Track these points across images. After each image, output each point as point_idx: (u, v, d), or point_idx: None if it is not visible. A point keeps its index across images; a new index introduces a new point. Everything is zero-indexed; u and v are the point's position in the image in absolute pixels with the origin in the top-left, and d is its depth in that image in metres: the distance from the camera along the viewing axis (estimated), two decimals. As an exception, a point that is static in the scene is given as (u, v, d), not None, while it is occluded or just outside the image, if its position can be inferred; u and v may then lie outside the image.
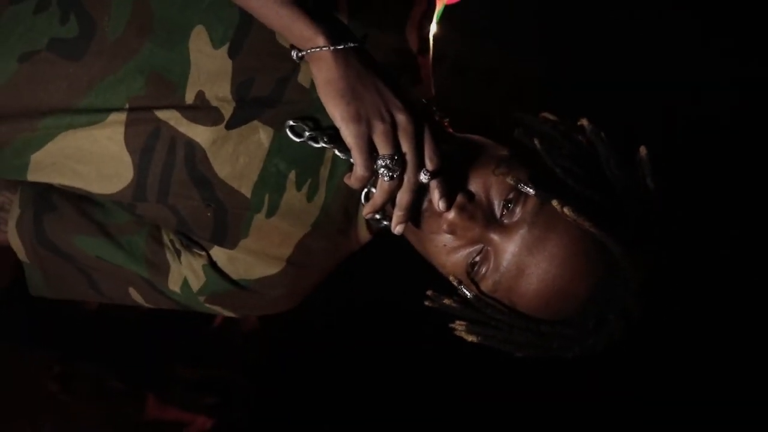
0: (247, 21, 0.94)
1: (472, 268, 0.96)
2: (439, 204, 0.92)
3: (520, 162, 0.95)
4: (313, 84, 0.91)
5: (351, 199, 1.03)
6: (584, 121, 0.97)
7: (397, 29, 1.04)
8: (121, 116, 0.96)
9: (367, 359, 3.13)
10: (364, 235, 1.09)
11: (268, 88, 0.96)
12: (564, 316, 0.96)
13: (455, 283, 0.97)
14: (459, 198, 0.93)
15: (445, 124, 1.06)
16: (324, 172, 1.00)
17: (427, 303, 1.02)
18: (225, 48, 0.95)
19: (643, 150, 0.94)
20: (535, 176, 0.92)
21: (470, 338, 0.98)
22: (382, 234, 1.08)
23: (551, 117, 1.00)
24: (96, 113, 0.96)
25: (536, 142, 0.95)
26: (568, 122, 0.99)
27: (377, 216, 1.01)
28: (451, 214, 0.93)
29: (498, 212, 0.94)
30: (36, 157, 0.99)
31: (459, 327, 0.99)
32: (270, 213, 1.01)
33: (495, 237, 0.93)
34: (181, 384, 4.42)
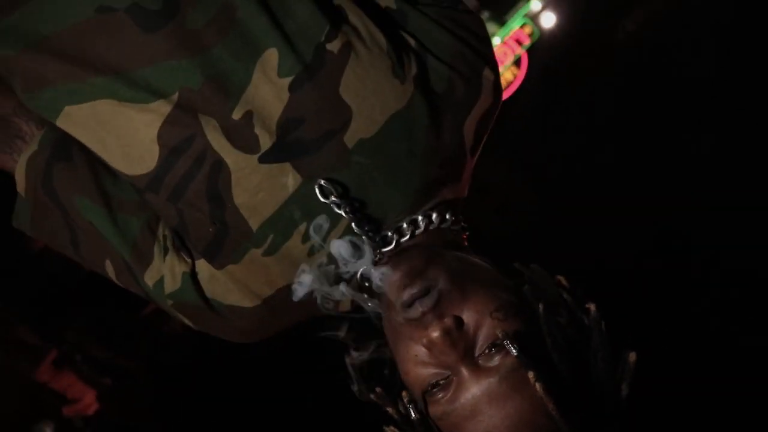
0: (319, 63, 0.95)
1: (430, 387, 0.95)
2: (432, 332, 0.92)
3: (518, 315, 0.95)
4: (355, 147, 0.94)
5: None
6: (592, 306, 0.96)
7: (458, 120, 1.03)
8: (166, 107, 0.96)
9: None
10: (345, 306, 1.08)
11: (312, 135, 0.96)
12: None
13: (406, 400, 0.97)
14: (448, 322, 0.92)
15: (464, 236, 1.06)
16: (335, 235, 1.00)
17: (372, 397, 1.01)
18: (289, 80, 0.95)
19: (632, 356, 0.94)
20: (524, 339, 0.91)
21: None
22: (360, 310, 1.07)
23: (564, 282, 1.00)
24: (144, 92, 0.96)
25: (540, 306, 0.95)
26: (577, 296, 0.99)
27: (369, 303, 1.01)
28: (435, 334, 0.92)
29: (478, 350, 0.93)
30: (71, 109, 0.99)
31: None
32: (267, 252, 1.01)
33: (465, 373, 0.93)
34: (87, 358, 4.46)
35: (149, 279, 1.06)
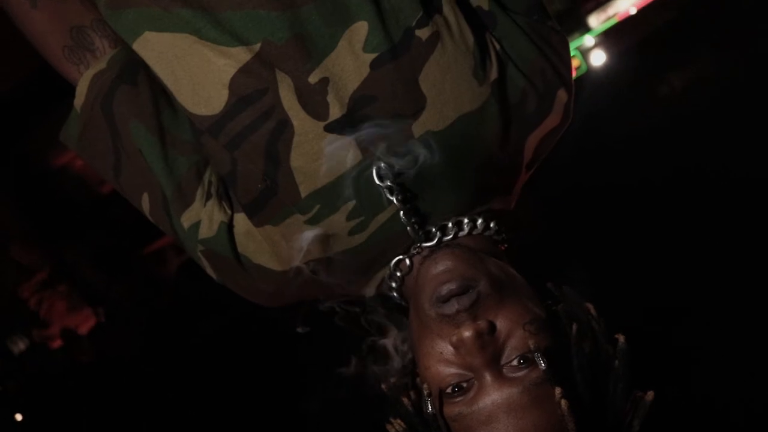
0: (405, 46, 0.95)
1: (451, 388, 0.95)
2: (464, 330, 0.92)
3: (548, 332, 0.96)
4: (421, 138, 0.95)
5: (381, 257, 1.04)
6: (621, 338, 0.98)
7: (523, 133, 1.04)
8: (246, 55, 0.96)
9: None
10: (370, 291, 1.10)
11: (382, 115, 0.97)
12: None
13: (425, 393, 0.97)
14: (482, 324, 0.94)
15: (503, 248, 1.07)
16: (380, 219, 1.01)
17: (383, 387, 1.02)
18: (372, 56, 0.96)
19: (650, 395, 0.96)
20: (554, 356, 0.93)
21: None
22: (384, 296, 1.09)
23: (593, 312, 1.01)
24: (228, 36, 0.96)
25: (574, 327, 0.97)
26: (603, 326, 1.00)
27: (398, 301, 1.03)
28: (468, 333, 0.93)
29: (505, 359, 0.94)
30: (151, 35, 1.00)
31: (397, 426, 0.99)
32: (310, 221, 1.01)
33: (488, 378, 0.94)
34: (82, 281, 4.49)
35: (186, 221, 1.07)
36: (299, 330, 1.05)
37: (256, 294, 1.10)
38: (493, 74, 1.00)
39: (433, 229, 1.03)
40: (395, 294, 1.06)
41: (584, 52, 9.66)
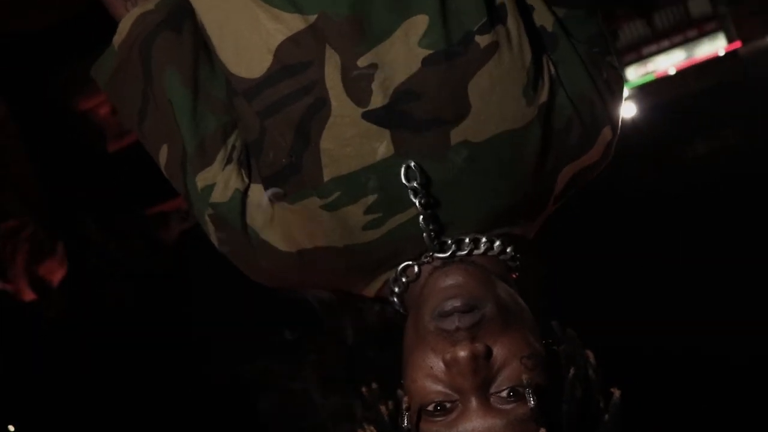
0: (462, 50, 0.92)
1: (433, 406, 0.91)
2: (460, 350, 0.89)
3: (544, 370, 0.92)
4: (457, 146, 0.92)
5: (390, 259, 1.00)
6: (617, 392, 0.94)
7: (560, 163, 1.01)
8: (299, 24, 0.93)
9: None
10: (370, 291, 1.05)
11: (423, 115, 0.93)
12: None
13: (405, 405, 0.93)
14: (480, 347, 0.89)
15: (514, 276, 1.04)
16: (397, 219, 0.97)
17: (363, 390, 1.00)
18: (426, 52, 0.92)
19: None
20: (545, 396, 0.89)
21: None
22: (383, 300, 1.06)
23: (592, 360, 0.98)
24: (285, 0, 0.94)
25: (572, 371, 0.93)
26: (600, 377, 0.97)
27: (398, 307, 1.01)
28: (463, 354, 0.88)
29: (495, 388, 0.90)
30: None
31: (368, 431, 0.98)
32: (326, 207, 0.97)
33: (474, 403, 0.90)
34: (78, 233, 4.46)
35: (201, 181, 1.02)
36: (288, 336, 1.06)
37: (256, 271, 1.06)
38: (543, 97, 0.96)
39: (449, 241, 0.98)
40: (396, 299, 1.02)
41: (617, 102, 9.61)
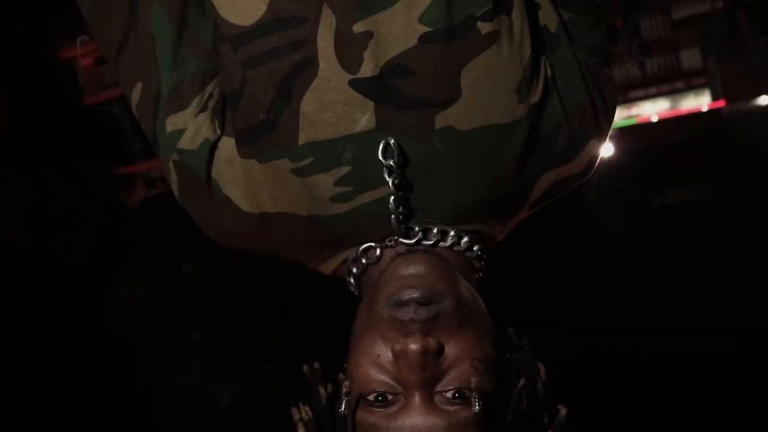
0: (462, 33, 0.90)
1: (374, 396, 0.88)
2: (412, 342, 0.86)
3: (495, 377, 0.89)
4: (441, 131, 0.89)
5: (352, 237, 0.97)
6: (563, 410, 0.91)
7: (540, 168, 0.99)
8: None
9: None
10: (327, 268, 1.02)
11: (411, 93, 0.90)
12: None
13: (344, 390, 0.90)
14: (433, 343, 0.86)
15: (477, 276, 1.02)
16: (367, 196, 0.94)
17: (304, 369, 0.95)
18: (425, 29, 0.89)
19: None
20: (488, 402, 0.86)
21: (301, 431, 0.91)
22: (340, 281, 1.02)
23: (543, 374, 0.95)
24: None
25: (521, 381, 0.90)
26: (549, 391, 0.94)
27: (354, 288, 0.98)
28: (414, 346, 0.85)
29: (441, 387, 0.87)
30: None
31: (302, 413, 0.92)
32: (296, 172, 0.93)
33: (417, 399, 0.87)
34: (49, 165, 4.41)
35: (171, 124, 0.98)
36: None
37: (212, 227, 1.02)
38: (536, 97, 0.94)
39: (416, 228, 0.95)
40: (352, 280, 0.99)
41: (595, 139, 9.74)
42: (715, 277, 5.67)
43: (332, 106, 0.90)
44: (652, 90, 10.20)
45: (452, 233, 0.96)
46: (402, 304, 0.87)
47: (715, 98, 9.96)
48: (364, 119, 0.90)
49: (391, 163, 0.90)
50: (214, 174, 0.97)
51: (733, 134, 9.06)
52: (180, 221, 1.13)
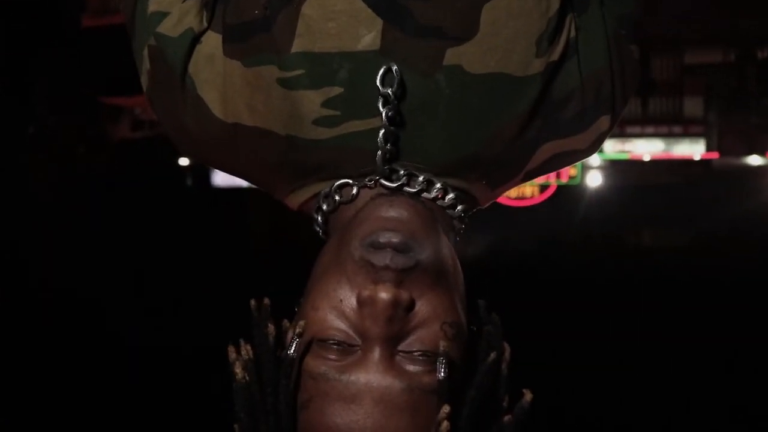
0: None
1: (331, 342, 0.79)
2: (382, 291, 0.77)
3: (461, 347, 0.81)
4: (449, 68, 0.82)
5: (331, 168, 0.88)
6: (528, 395, 0.82)
7: (543, 135, 0.91)
8: None
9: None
10: (294, 201, 0.94)
11: (424, 20, 0.82)
12: None
13: (296, 331, 0.80)
14: (405, 296, 0.77)
15: (456, 237, 0.93)
16: (354, 125, 0.85)
17: (252, 303, 0.86)
18: None
19: None
20: (456, 373, 0.79)
21: (237, 371, 0.80)
22: (303, 214, 0.94)
23: (507, 354, 0.87)
24: None
25: (491, 356, 0.82)
26: (509, 373, 0.87)
27: (320, 227, 0.90)
28: (384, 295, 0.76)
29: (405, 346, 0.79)
30: None
31: (243, 353, 0.81)
32: (282, 82, 0.84)
33: (377, 355, 0.78)
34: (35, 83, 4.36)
35: (154, 4, 0.89)
36: None
37: (178, 129, 0.92)
38: (555, 56, 0.87)
39: (401, 172, 0.86)
40: (320, 218, 0.90)
41: (585, 167, 9.80)
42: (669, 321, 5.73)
43: (336, 15, 0.82)
44: (650, 129, 10.26)
45: (438, 185, 0.87)
46: (378, 246, 0.78)
47: (709, 149, 10.05)
48: (368, 38, 0.82)
49: (389, 92, 0.81)
50: (191, 69, 0.88)
51: (721, 187, 9.13)
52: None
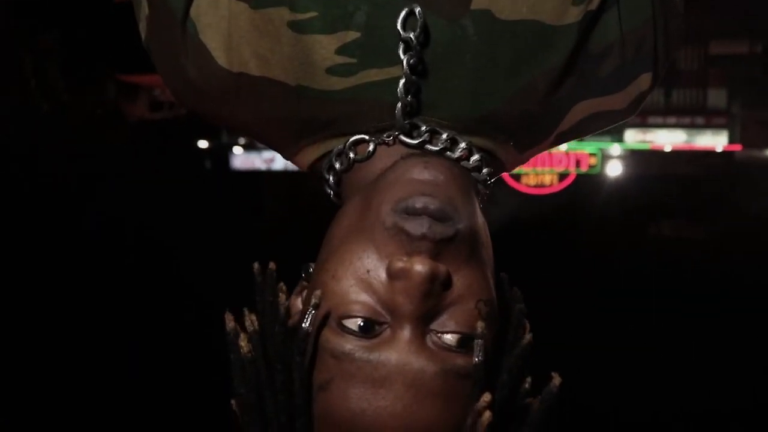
0: None
1: (348, 317, 0.70)
2: (419, 264, 0.69)
3: (497, 326, 0.75)
4: (477, 13, 0.74)
5: (345, 123, 0.81)
6: (557, 378, 0.74)
7: (579, 94, 0.84)
8: None
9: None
10: (303, 160, 0.86)
11: None
12: None
13: (313, 301, 0.71)
14: (443, 270, 0.70)
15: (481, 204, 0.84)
16: (372, 74, 0.77)
17: (255, 268, 0.77)
18: None
19: None
20: (490, 352, 0.72)
21: (243, 344, 0.71)
22: (313, 175, 0.87)
23: (529, 338, 0.77)
24: None
25: (528, 337, 0.76)
26: (533, 356, 0.77)
27: (332, 188, 0.83)
28: (420, 268, 0.68)
29: (438, 325, 0.71)
30: None
31: (248, 321, 0.73)
32: (293, 26, 0.77)
33: (407, 335, 0.70)
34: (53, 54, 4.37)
35: None
36: None
37: (178, 79, 0.84)
38: (593, 5, 0.79)
39: (423, 128, 0.78)
40: (332, 178, 0.83)
41: (606, 157, 9.70)
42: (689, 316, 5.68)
43: None
44: (672, 120, 10.14)
45: (463, 145, 0.79)
46: (414, 213, 0.70)
47: (731, 141, 9.92)
48: None
49: (411, 36, 0.74)
50: (192, 14, 0.80)
51: (742, 179, 9.02)
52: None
